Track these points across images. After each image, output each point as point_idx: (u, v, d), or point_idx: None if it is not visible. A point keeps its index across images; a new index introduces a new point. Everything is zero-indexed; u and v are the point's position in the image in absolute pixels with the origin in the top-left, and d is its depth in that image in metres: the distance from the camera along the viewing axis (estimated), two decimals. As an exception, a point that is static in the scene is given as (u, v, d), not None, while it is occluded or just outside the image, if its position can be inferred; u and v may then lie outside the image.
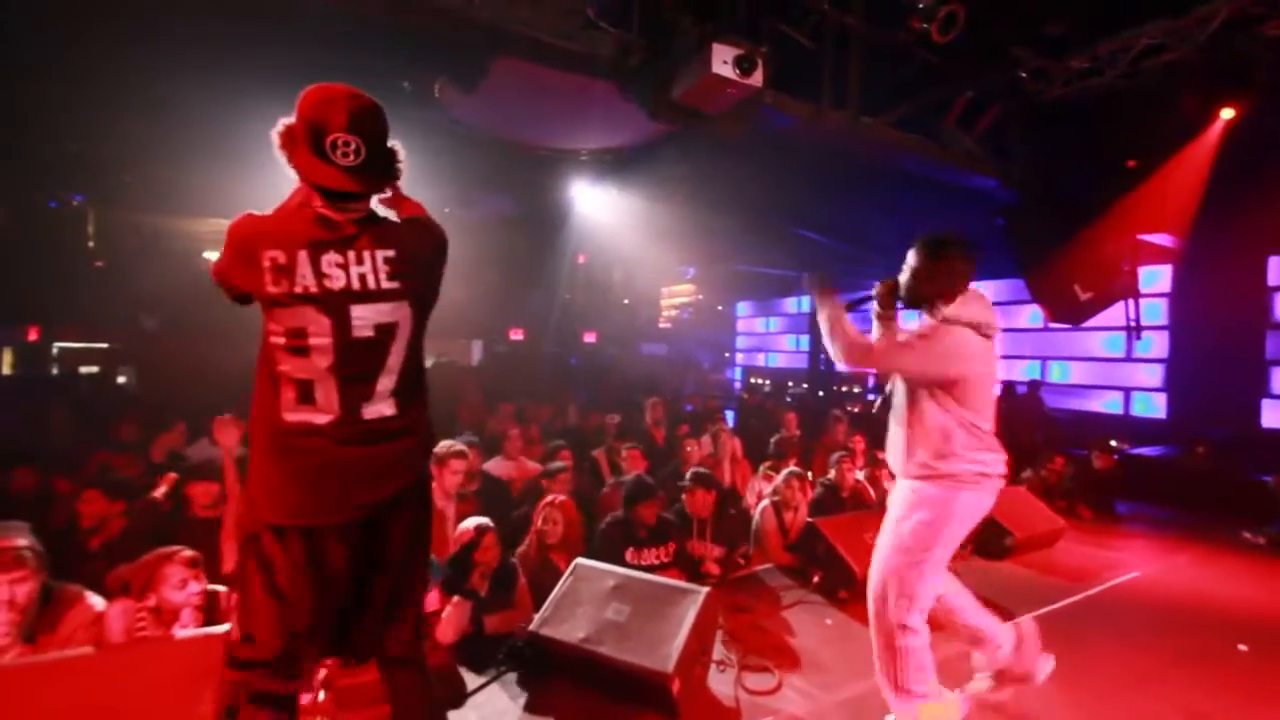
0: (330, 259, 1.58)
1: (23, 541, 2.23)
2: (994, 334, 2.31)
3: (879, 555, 2.38)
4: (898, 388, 2.42)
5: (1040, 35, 5.39)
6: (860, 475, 4.88)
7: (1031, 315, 9.94)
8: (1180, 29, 4.78)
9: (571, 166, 7.16)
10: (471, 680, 2.69)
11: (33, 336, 7.96)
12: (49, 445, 4.85)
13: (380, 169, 1.66)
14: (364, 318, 1.61)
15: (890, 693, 2.29)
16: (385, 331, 1.64)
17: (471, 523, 3.10)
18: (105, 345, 8.65)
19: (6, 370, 7.90)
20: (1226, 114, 5.52)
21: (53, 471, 3.76)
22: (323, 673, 2.49)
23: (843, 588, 3.58)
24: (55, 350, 8.50)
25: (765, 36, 3.72)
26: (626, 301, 14.90)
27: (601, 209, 8.67)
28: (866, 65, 4.92)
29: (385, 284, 1.62)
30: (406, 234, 1.72)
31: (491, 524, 3.11)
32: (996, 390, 2.41)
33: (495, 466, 4.62)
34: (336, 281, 1.58)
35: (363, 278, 1.60)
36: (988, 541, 4.36)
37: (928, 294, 2.33)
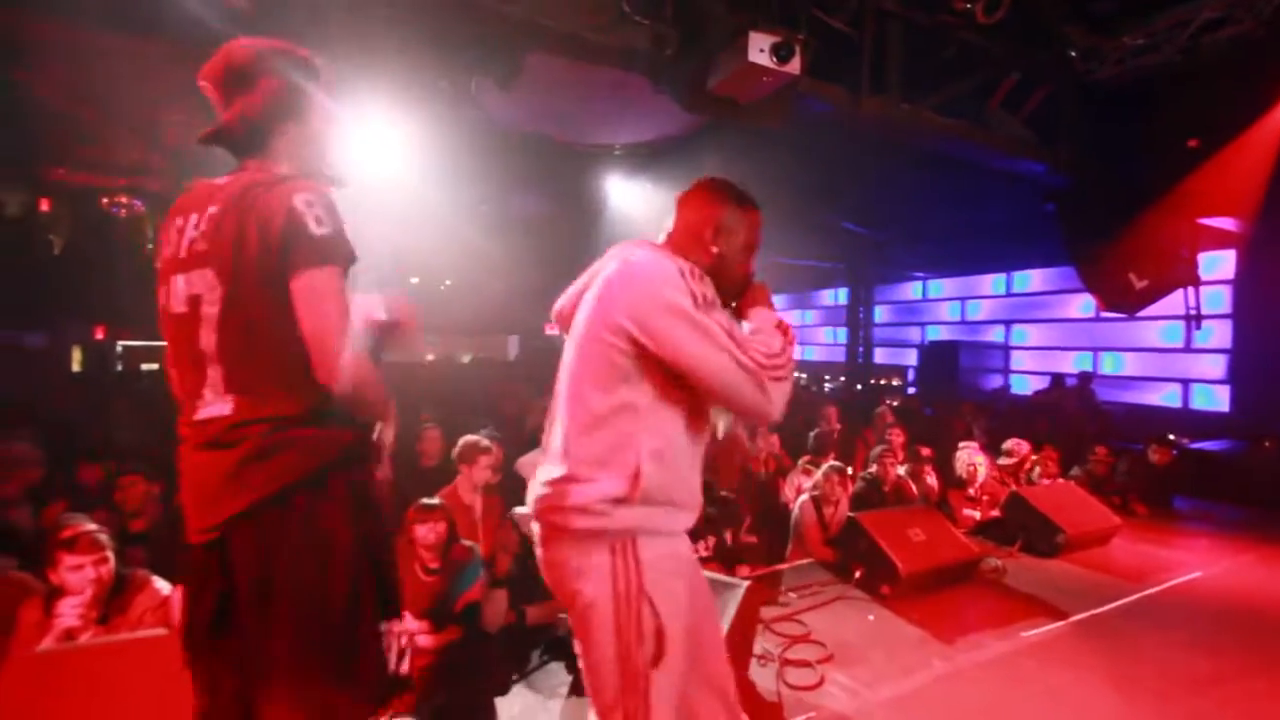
0: (177, 224, 1.35)
1: (93, 526, 2.37)
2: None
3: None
4: None
5: (1091, 12, 5.16)
6: (902, 470, 4.78)
7: (1083, 304, 9.56)
8: (1244, 1, 4.52)
9: (605, 162, 7.19)
10: (515, 669, 2.74)
11: (99, 335, 8.43)
12: (116, 439, 5.12)
13: (242, 126, 1.36)
14: (177, 289, 1.32)
15: None
16: (193, 305, 1.30)
17: (512, 512, 3.18)
18: (165, 343, 9.07)
19: (76, 368, 8.38)
20: (1298, 88, 5.20)
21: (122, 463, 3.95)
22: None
23: (885, 583, 3.52)
24: (120, 349, 8.98)
25: (802, 23, 3.66)
26: (660, 296, 14.88)
27: (635, 204, 8.68)
28: (906, 49, 4.79)
29: (198, 245, 1.31)
30: (250, 191, 1.30)
31: (524, 511, 3.17)
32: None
33: (534, 459, 4.68)
34: (170, 248, 1.35)
35: (191, 243, 1.32)
36: (1037, 538, 4.23)
37: None
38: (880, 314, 13.57)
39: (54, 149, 5.91)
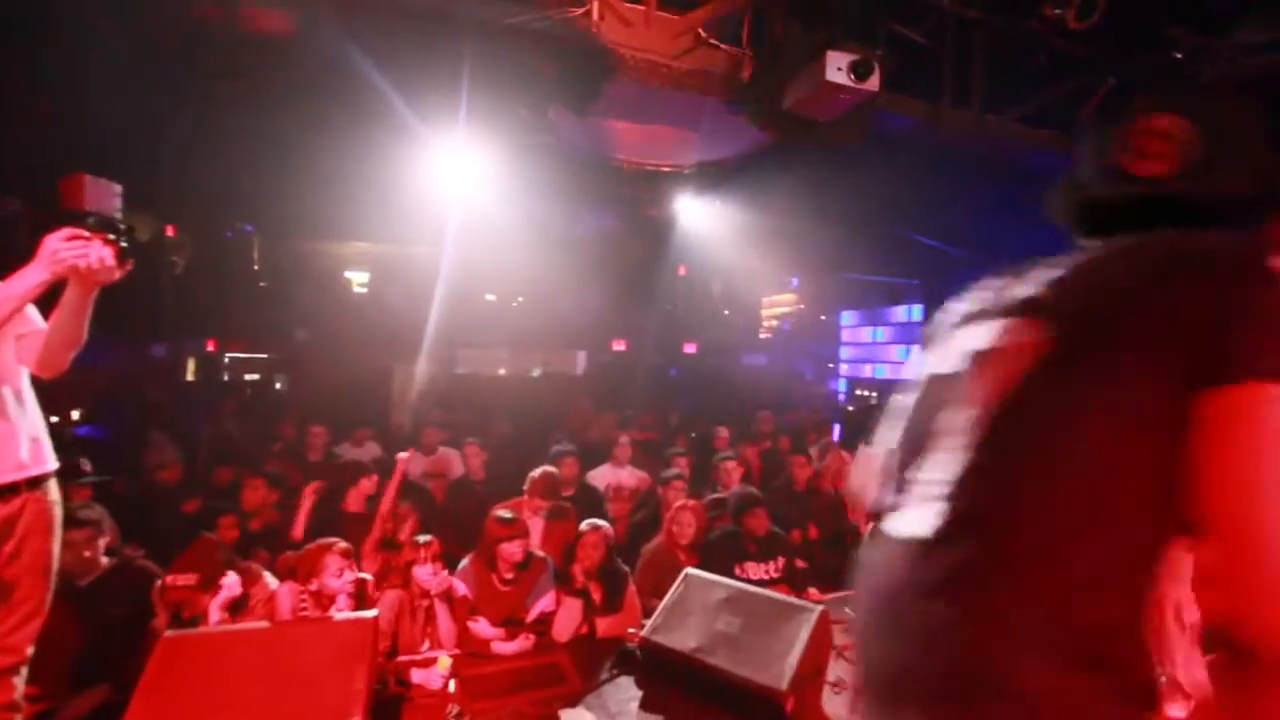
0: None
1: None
2: None
3: None
4: None
5: (1199, 10, 4.81)
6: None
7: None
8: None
9: (675, 181, 7.27)
10: (586, 680, 2.78)
11: (210, 348, 9.27)
12: (225, 440, 5.60)
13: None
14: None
15: None
16: (975, 362, 0.90)
17: (586, 524, 3.25)
18: (265, 355, 9.88)
19: (190, 377, 9.25)
20: None
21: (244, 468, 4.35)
22: (450, 664, 2.69)
23: (967, 616, 3.36)
24: (227, 359, 9.83)
25: (880, 39, 3.62)
26: (726, 312, 14.84)
27: (704, 221, 8.72)
28: (990, 58, 4.63)
29: (1020, 291, 0.93)
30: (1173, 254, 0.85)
31: (599, 524, 3.24)
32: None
33: (604, 474, 4.77)
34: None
35: (1003, 294, 0.98)
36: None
37: None
38: (958, 331, 12.97)
39: (185, 183, 6.63)
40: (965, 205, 8.14)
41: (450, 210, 7.76)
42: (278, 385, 9.89)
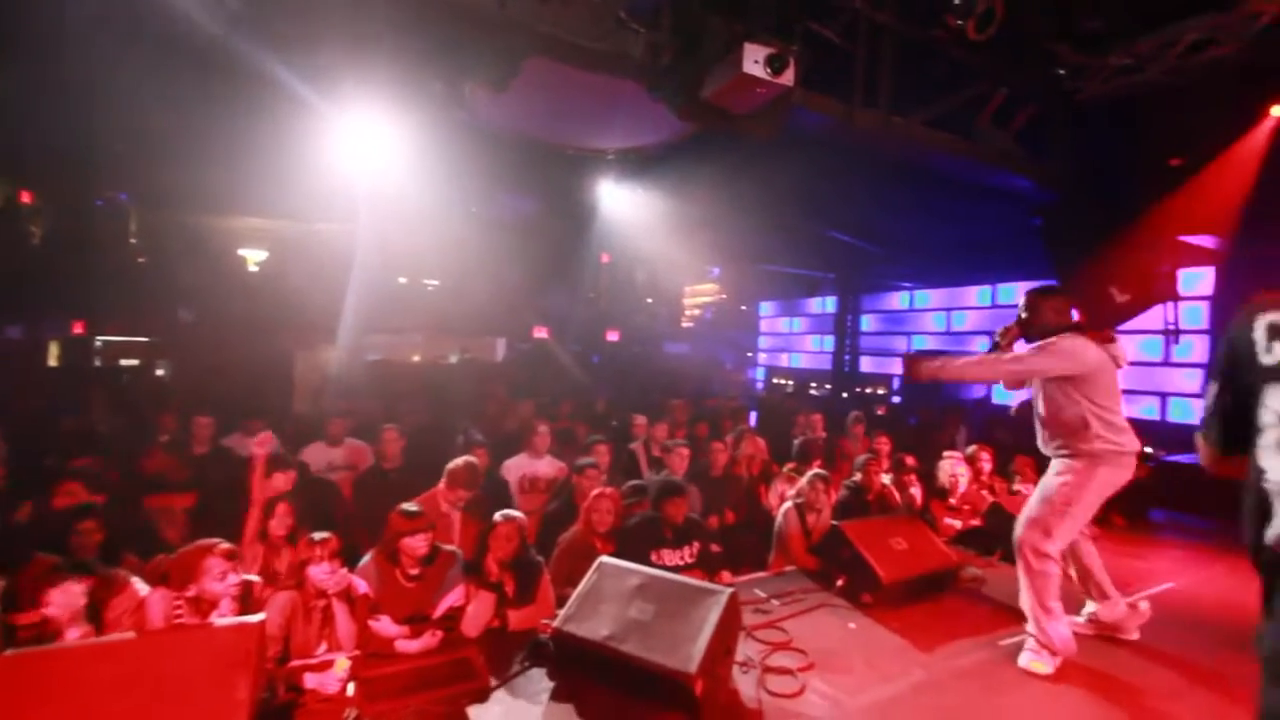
0: None
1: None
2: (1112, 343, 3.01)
3: (1028, 507, 3.07)
4: (1036, 389, 3.11)
5: (1078, 31, 5.25)
6: (887, 479, 4.82)
7: (1065, 318, 9.68)
8: (1227, 24, 4.62)
9: (597, 167, 7.19)
10: (496, 674, 2.72)
11: (77, 330, 8.25)
12: (93, 432, 5.02)
13: None
14: None
15: (1035, 610, 2.93)
16: None
17: (499, 514, 3.17)
18: (145, 339, 8.94)
19: (52, 363, 8.21)
20: (1277, 111, 5.32)
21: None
22: (348, 665, 2.55)
23: (866, 591, 3.55)
24: (99, 343, 8.81)
25: (796, 35, 3.69)
26: (650, 301, 14.93)
27: (626, 208, 8.69)
28: (899, 63, 4.85)
29: None
30: None
31: (514, 515, 3.16)
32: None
33: (520, 464, 4.67)
34: None
35: None
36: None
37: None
38: (867, 323, 13.69)
39: (43, 144, 5.83)
40: (877, 204, 8.56)
41: (359, 187, 7.30)
42: (159, 372, 9.01)
